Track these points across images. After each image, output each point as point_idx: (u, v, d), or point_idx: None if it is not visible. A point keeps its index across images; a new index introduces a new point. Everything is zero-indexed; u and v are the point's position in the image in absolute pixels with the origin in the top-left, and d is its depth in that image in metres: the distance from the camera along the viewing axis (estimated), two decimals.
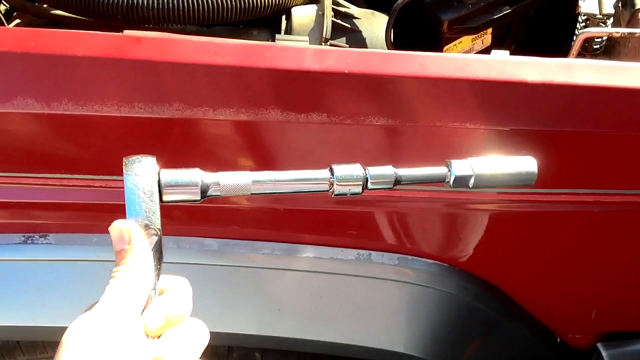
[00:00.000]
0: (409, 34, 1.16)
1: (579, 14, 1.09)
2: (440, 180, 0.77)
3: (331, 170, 0.73)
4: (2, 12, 1.16)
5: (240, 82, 0.89)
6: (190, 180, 0.66)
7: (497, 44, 1.23)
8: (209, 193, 0.68)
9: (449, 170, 0.76)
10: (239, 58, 0.88)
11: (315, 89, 0.89)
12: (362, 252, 1.10)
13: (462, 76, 0.89)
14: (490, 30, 1.18)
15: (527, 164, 0.77)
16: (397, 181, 0.75)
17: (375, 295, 1.16)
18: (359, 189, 0.74)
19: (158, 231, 0.62)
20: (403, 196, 1.04)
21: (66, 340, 0.53)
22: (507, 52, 0.99)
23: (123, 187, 1.11)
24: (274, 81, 0.89)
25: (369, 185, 0.74)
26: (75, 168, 1.00)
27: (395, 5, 1.08)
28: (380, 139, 0.95)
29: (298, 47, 0.93)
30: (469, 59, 0.92)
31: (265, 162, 0.97)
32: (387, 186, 0.75)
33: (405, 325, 1.20)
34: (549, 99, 0.91)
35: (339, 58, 0.89)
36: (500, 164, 0.78)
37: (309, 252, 1.10)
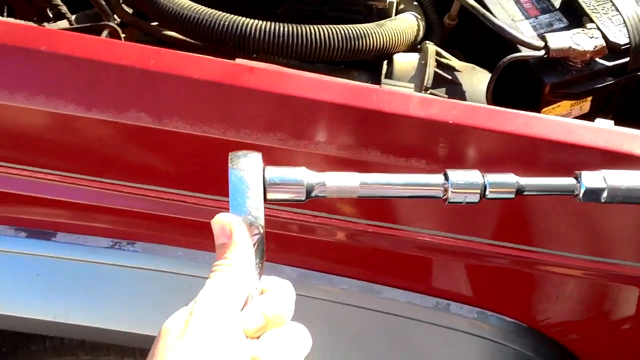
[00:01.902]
0: (508, 91, 1.16)
1: None
2: (568, 193, 0.71)
3: (446, 175, 0.67)
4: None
5: (345, 121, 0.91)
6: (295, 179, 0.63)
7: (595, 112, 1.22)
8: (313, 194, 0.65)
9: (579, 182, 0.70)
10: (346, 97, 0.91)
11: (418, 136, 0.91)
12: (441, 300, 1.10)
13: (566, 140, 0.89)
14: (590, 98, 1.18)
15: None
16: (519, 191, 0.69)
17: (446, 345, 1.15)
18: (476, 198, 0.68)
19: (261, 228, 0.59)
20: (490, 251, 1.04)
21: (163, 333, 0.53)
22: (612, 122, 0.97)
23: (216, 207, 1.13)
24: (378, 123, 0.91)
25: (488, 194, 0.68)
26: (174, 183, 1.03)
27: (499, 63, 1.09)
28: None
29: (404, 92, 0.95)
30: (575, 124, 0.92)
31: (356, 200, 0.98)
32: (508, 196, 0.69)
33: None
34: None
35: (444, 108, 0.90)
36: (636, 177, 0.71)
37: (386, 293, 1.10)
